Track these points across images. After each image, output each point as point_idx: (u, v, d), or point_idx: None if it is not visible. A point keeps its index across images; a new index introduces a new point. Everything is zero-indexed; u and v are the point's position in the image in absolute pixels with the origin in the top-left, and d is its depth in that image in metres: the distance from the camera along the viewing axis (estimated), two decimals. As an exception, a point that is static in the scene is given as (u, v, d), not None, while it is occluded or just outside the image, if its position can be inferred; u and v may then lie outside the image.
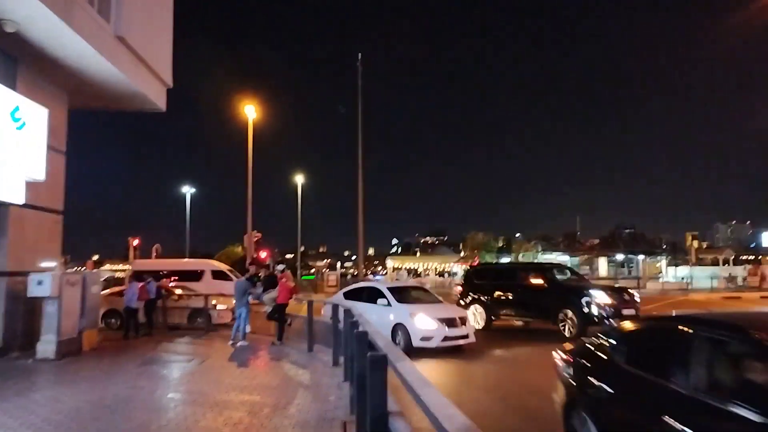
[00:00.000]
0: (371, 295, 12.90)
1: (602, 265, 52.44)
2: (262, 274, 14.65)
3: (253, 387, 7.92)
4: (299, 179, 53.31)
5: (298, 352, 11.41)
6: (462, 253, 66.09)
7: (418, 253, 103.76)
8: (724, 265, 54.27)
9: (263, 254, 34.23)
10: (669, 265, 55.23)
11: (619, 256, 52.94)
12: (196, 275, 23.98)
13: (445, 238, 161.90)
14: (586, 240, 64.73)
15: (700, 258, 60.37)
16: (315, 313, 12.20)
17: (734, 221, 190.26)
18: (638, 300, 14.93)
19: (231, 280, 23.35)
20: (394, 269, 76.78)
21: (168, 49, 13.95)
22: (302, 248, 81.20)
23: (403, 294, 13.12)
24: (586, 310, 13.77)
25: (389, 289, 13.12)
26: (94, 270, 20.87)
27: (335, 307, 10.22)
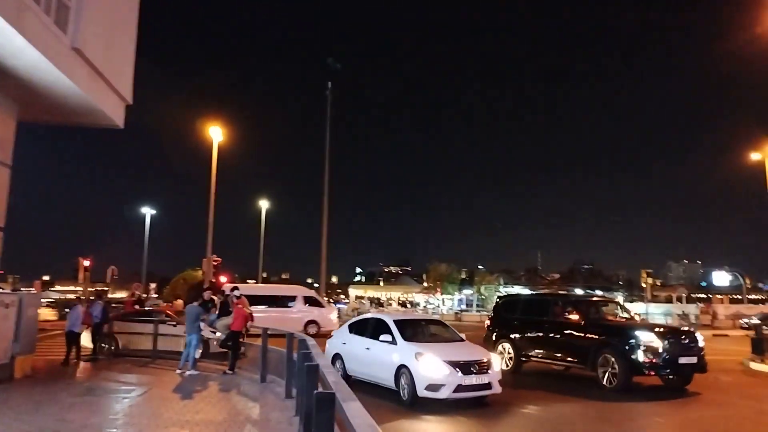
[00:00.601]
0: (376, 329, 10.67)
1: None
2: (217, 299, 14.10)
3: (196, 422, 7.40)
4: (263, 204, 52.59)
5: (251, 383, 10.87)
6: (425, 284, 66.05)
7: (382, 283, 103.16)
8: (677, 302, 55.86)
9: (223, 279, 33.36)
10: (625, 300, 56.41)
11: (578, 291, 53.74)
12: (289, 300, 25.44)
13: (409, 269, 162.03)
14: (546, 275, 65.73)
15: (655, 295, 61.97)
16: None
17: (686, 260, 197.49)
18: (702, 345, 12.09)
19: (323, 306, 25.78)
20: (357, 298, 76.07)
21: (129, 64, 13.53)
22: (264, 274, 79.59)
23: (413, 329, 10.76)
24: (632, 355, 11.03)
25: (396, 322, 10.53)
26: (39, 291, 19.85)
27: (290, 336, 9.79)
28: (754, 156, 32.41)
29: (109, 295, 36.22)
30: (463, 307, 54.64)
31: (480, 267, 66.72)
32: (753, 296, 78.22)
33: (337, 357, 11.59)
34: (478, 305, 53.92)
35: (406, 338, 10.00)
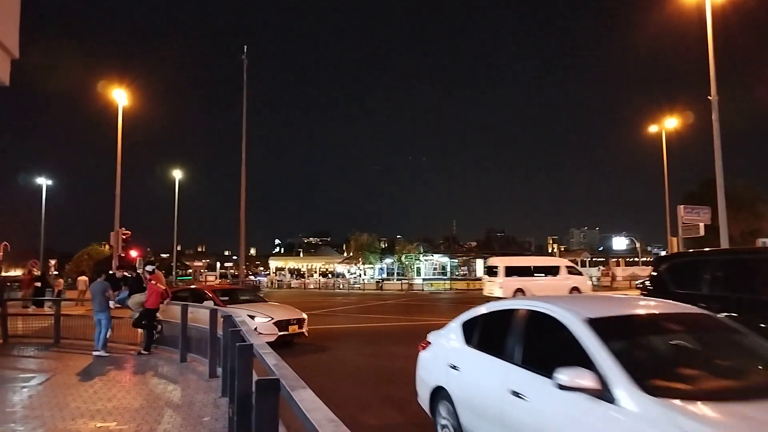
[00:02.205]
0: (538, 341, 4.33)
1: (479, 266, 55.13)
2: (128, 275, 13.07)
3: (108, 411, 6.71)
4: (177, 174, 49.72)
5: (169, 364, 10.17)
6: (346, 254, 66.03)
7: (302, 254, 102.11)
8: (581, 266, 59.77)
9: (133, 253, 31.34)
10: (537, 266, 59.57)
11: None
12: (554, 270, 28.16)
13: (329, 239, 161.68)
14: (464, 243, 67.88)
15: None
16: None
17: (586, 227, 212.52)
18: None
19: (581, 274, 28.99)
20: (277, 270, 74.83)
21: (13, 11, 11.85)
22: (179, 247, 76.11)
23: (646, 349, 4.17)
24: None
25: (599, 328, 3.71)
26: None
27: (213, 312, 9.19)
28: (652, 129, 34.89)
29: (2, 273, 32.92)
30: (384, 276, 55.31)
31: (399, 236, 67.54)
32: (645, 259, 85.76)
33: (441, 396, 5.25)
34: (399, 274, 54.76)
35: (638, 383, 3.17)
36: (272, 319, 12.37)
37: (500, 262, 29.02)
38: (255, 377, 3.61)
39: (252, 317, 11.81)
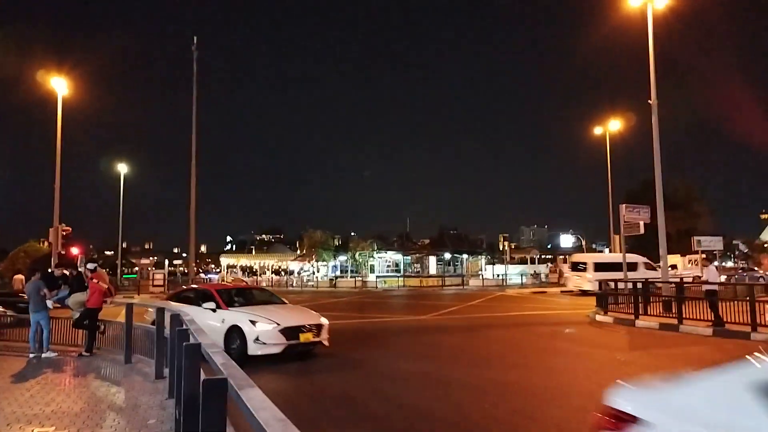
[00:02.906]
0: None
1: (432, 263, 55.74)
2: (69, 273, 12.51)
3: (47, 415, 6.41)
4: (122, 168, 47.87)
5: (113, 365, 9.81)
6: (299, 252, 65.35)
7: (254, 251, 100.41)
8: (531, 263, 61.52)
9: (74, 251, 30.02)
10: (488, 263, 60.85)
11: (447, 255, 56.75)
12: (634, 266, 29.22)
13: (282, 237, 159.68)
14: (418, 240, 68.49)
15: (513, 257, 67.62)
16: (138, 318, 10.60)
17: (535, 225, 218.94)
18: None
19: (656, 269, 28.68)
20: (229, 267, 73.36)
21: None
22: (124, 244, 73.33)
23: None
24: None
25: None
26: None
27: (160, 311, 8.92)
28: (597, 130, 36.22)
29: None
30: (338, 273, 55.09)
31: (353, 234, 67.38)
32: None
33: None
34: (352, 271, 54.67)
35: None
36: (278, 325, 10.29)
37: (588, 258, 33.53)
38: (203, 377, 3.53)
39: (253, 323, 10.27)
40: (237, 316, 10.64)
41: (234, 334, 10.40)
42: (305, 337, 10.48)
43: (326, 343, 10.99)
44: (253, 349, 10.07)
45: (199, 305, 11.19)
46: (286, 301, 12.82)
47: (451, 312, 21.54)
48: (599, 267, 30.31)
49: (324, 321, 11.11)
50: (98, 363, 10.02)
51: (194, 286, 16.42)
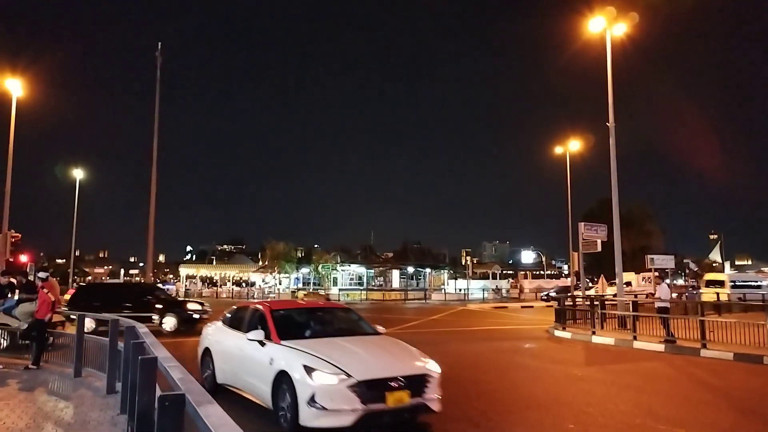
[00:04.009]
0: None
1: (395, 277, 55.81)
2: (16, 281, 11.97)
3: (-11, 432, 6.08)
4: (78, 174, 46.30)
5: (61, 378, 9.38)
6: (261, 263, 64.41)
7: (215, 262, 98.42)
8: (492, 279, 62.38)
9: (23, 258, 28.86)
10: (450, 278, 61.36)
11: (410, 269, 56.96)
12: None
13: (243, 247, 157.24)
14: (381, 253, 68.49)
15: (475, 272, 68.45)
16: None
17: (497, 241, 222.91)
18: None
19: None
20: (188, 278, 71.56)
21: None
22: (77, 252, 70.75)
23: None
24: None
25: None
26: None
27: (114, 322, 8.61)
28: (558, 150, 37.24)
29: None
30: (300, 285, 54.54)
31: (316, 246, 66.92)
32: (549, 272, 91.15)
33: None
34: (315, 283, 54.20)
35: None
36: (348, 377, 6.17)
37: (726, 277, 39.48)
38: (159, 392, 3.43)
39: (309, 370, 6.25)
40: (287, 357, 6.72)
41: (284, 386, 6.53)
42: (396, 397, 6.27)
43: (435, 407, 6.61)
44: (306, 417, 6.08)
45: (245, 332, 7.71)
46: (382, 330, 8.41)
47: (412, 326, 21.56)
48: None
49: (433, 368, 6.90)
50: (45, 376, 9.58)
51: (250, 302, 10.78)
